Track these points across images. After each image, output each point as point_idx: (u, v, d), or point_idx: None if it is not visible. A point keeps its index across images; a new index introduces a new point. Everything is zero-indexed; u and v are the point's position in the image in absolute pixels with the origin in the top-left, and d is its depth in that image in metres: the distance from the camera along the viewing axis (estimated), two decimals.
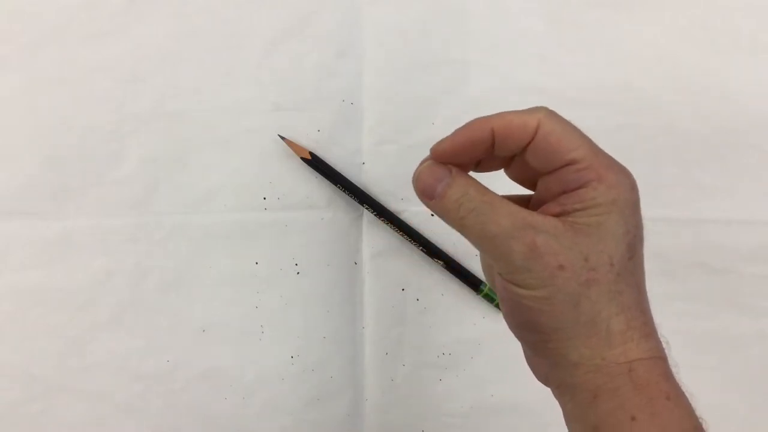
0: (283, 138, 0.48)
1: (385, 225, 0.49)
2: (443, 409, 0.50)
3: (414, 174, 0.30)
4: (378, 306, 0.50)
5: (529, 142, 0.28)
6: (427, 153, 0.30)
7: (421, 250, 0.49)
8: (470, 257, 0.49)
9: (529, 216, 0.27)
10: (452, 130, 0.29)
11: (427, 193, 0.30)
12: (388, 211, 0.49)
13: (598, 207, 0.27)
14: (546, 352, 0.29)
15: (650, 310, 0.29)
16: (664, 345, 0.29)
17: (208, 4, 0.49)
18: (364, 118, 0.49)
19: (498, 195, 0.29)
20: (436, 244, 0.49)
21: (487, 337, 0.50)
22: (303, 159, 0.48)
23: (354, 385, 0.50)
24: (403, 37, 0.49)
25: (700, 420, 0.28)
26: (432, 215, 0.49)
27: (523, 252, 0.27)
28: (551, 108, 0.28)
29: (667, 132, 0.49)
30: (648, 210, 0.51)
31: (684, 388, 0.28)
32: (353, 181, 0.48)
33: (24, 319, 0.48)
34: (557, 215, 0.27)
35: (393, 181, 0.49)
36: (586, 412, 0.28)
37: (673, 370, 0.28)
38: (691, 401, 0.28)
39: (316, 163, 0.48)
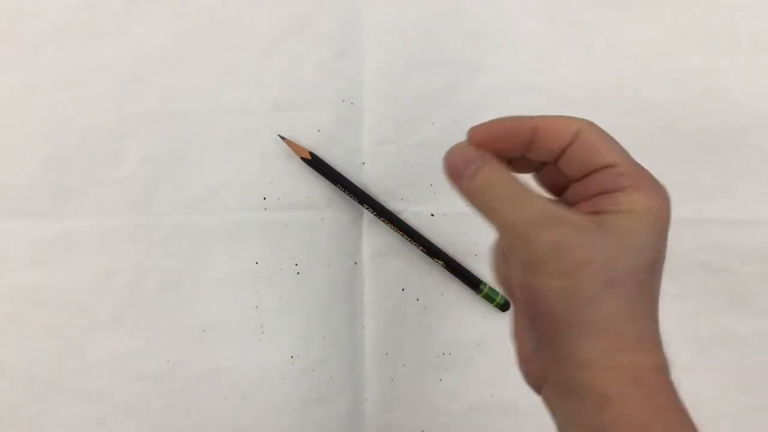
0: (283, 138, 0.48)
1: (385, 225, 0.49)
2: (443, 409, 0.50)
3: (446, 153, 0.29)
4: (378, 306, 0.50)
5: (569, 146, 0.28)
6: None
7: (421, 250, 0.49)
8: (470, 257, 0.49)
9: (560, 209, 0.27)
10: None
11: (455, 173, 0.29)
12: (388, 211, 0.49)
13: (631, 213, 0.27)
14: (554, 348, 0.28)
15: (658, 324, 0.28)
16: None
17: (208, 4, 0.49)
18: (364, 118, 0.49)
19: (529, 186, 0.28)
20: (436, 244, 0.49)
21: (487, 337, 0.50)
22: (303, 159, 0.48)
23: (354, 385, 0.50)
24: (403, 37, 0.49)
25: None
26: (432, 215, 0.49)
27: (551, 242, 0.26)
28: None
29: (667, 132, 0.49)
30: None
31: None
32: (353, 181, 0.48)
33: (24, 319, 0.48)
34: (589, 215, 0.28)
35: (393, 181, 0.49)
36: (596, 416, 0.27)
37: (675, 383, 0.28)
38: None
39: (316, 163, 0.48)
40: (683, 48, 0.50)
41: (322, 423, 0.50)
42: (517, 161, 0.30)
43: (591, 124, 0.28)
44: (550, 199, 0.28)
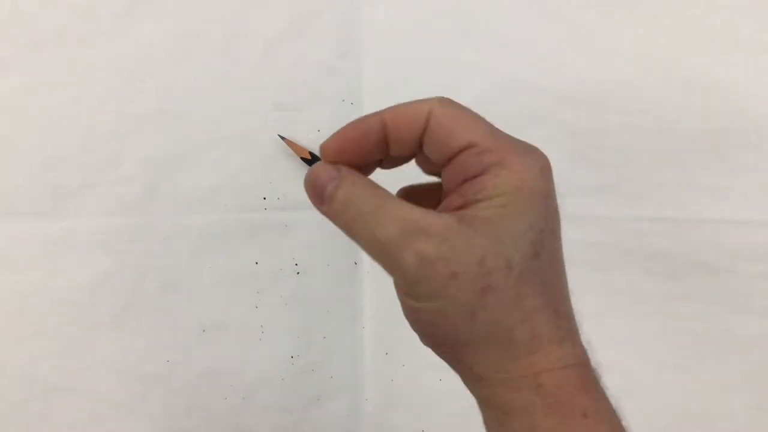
0: (283, 138, 0.48)
1: None
2: (443, 409, 0.50)
3: (304, 177, 0.28)
4: (378, 306, 0.50)
5: (423, 132, 0.26)
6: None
7: None
8: None
9: (422, 218, 0.25)
10: None
11: (316, 198, 0.27)
12: None
13: (500, 196, 0.24)
14: (452, 364, 0.27)
15: (569, 308, 0.26)
16: (586, 346, 0.27)
17: (208, 4, 0.49)
18: None
19: (390, 195, 0.26)
20: None
21: None
22: (303, 159, 0.48)
23: (354, 385, 0.50)
24: (403, 37, 0.49)
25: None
26: None
27: (413, 262, 0.24)
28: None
29: (667, 132, 0.49)
30: (648, 210, 0.51)
31: (608, 397, 0.26)
32: None
33: (24, 319, 0.48)
34: (459, 208, 0.25)
35: None
36: (499, 429, 0.26)
37: (601, 373, 0.27)
38: (616, 410, 0.26)
39: (316, 163, 0.48)
40: (683, 48, 0.50)
41: (322, 423, 0.50)
42: (388, 157, 0.28)
43: (442, 102, 0.26)
44: (413, 206, 0.25)
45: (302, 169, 0.49)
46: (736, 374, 0.49)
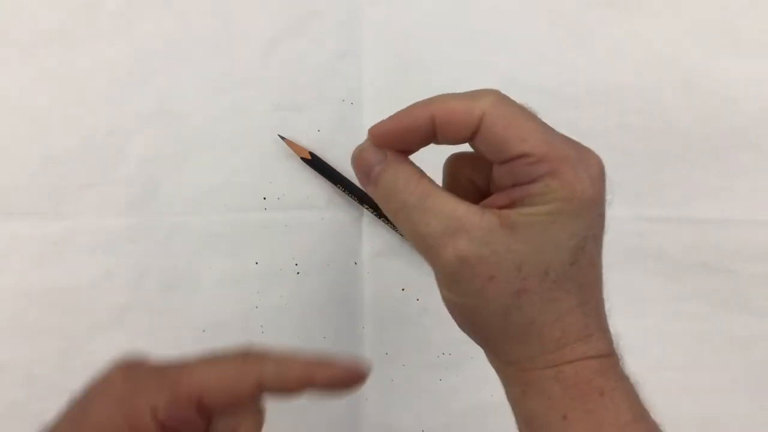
0: (283, 138, 0.48)
1: (385, 225, 0.49)
2: (443, 409, 0.50)
3: (352, 155, 0.28)
4: (378, 306, 0.50)
5: (475, 132, 0.25)
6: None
7: None
8: None
9: (465, 216, 0.25)
10: None
11: (362, 178, 0.27)
12: None
13: (546, 205, 0.25)
14: (483, 349, 0.29)
15: (600, 304, 0.27)
16: (615, 342, 0.28)
17: (208, 4, 0.49)
18: (364, 118, 0.49)
19: (434, 186, 0.26)
20: None
21: None
22: (303, 159, 0.48)
23: None
24: (403, 37, 0.49)
25: (645, 409, 0.27)
26: None
27: (453, 261, 0.25)
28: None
29: (667, 132, 0.49)
30: (648, 210, 0.51)
31: (631, 380, 0.27)
32: (353, 181, 0.48)
33: (24, 319, 0.48)
34: (504, 206, 0.25)
35: None
36: (518, 404, 0.28)
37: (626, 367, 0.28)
38: (637, 391, 0.27)
39: (316, 163, 0.48)
40: (683, 48, 0.50)
41: (322, 423, 0.50)
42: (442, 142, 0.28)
43: (496, 104, 0.25)
44: (457, 201, 0.25)
45: (302, 169, 0.49)
46: (736, 374, 0.49)
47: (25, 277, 0.48)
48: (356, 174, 0.28)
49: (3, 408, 0.48)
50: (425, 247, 0.26)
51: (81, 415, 0.28)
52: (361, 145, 0.28)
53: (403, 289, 0.50)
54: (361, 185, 0.28)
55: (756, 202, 0.49)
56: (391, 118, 0.27)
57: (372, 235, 0.49)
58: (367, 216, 0.49)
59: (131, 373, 0.28)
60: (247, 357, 0.28)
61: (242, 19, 0.49)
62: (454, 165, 0.30)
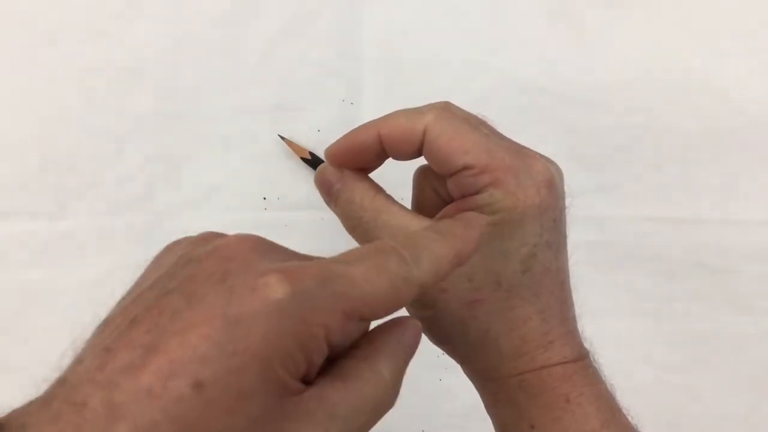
0: (283, 138, 0.48)
1: None
2: (443, 409, 0.50)
3: (314, 177, 0.29)
4: None
5: (420, 148, 0.26)
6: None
7: None
8: None
9: (417, 227, 0.26)
10: None
11: (325, 197, 0.28)
12: None
13: (493, 215, 0.25)
14: (452, 357, 0.29)
15: (564, 312, 0.27)
16: (588, 346, 0.28)
17: (208, 4, 0.49)
18: (364, 118, 0.49)
19: (388, 201, 0.27)
20: None
21: None
22: (303, 159, 0.48)
23: None
24: (403, 37, 0.49)
25: (616, 413, 0.27)
26: None
27: None
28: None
29: (667, 132, 0.49)
30: (648, 210, 0.51)
31: (603, 384, 0.27)
32: None
33: (24, 319, 0.48)
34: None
35: (392, 181, 0.49)
36: (492, 414, 0.28)
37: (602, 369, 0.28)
38: (610, 394, 0.27)
39: (316, 163, 0.48)
40: (683, 48, 0.50)
41: None
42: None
43: (438, 118, 0.26)
44: (411, 216, 0.26)
45: (302, 169, 0.49)
46: (736, 374, 0.49)
47: (25, 277, 0.48)
48: (320, 193, 0.29)
49: (3, 408, 0.48)
50: None
51: (211, 319, 0.18)
52: (321, 164, 0.29)
53: None
54: (326, 204, 0.29)
55: (756, 202, 0.49)
56: (343, 137, 0.28)
57: None
58: None
59: (293, 279, 0.19)
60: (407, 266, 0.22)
61: (242, 19, 0.49)
62: (419, 177, 0.31)
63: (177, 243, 0.25)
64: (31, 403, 0.19)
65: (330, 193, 0.28)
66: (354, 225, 0.27)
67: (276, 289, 0.18)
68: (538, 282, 0.26)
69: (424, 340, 0.52)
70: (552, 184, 0.26)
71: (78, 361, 0.20)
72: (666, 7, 0.50)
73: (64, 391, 0.19)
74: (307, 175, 0.49)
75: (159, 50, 0.49)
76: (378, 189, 0.28)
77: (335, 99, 0.49)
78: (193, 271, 0.20)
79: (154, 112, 0.49)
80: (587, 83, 0.49)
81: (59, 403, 0.18)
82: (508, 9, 0.50)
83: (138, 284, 0.25)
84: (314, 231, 0.49)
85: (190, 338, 0.17)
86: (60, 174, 0.48)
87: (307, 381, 0.19)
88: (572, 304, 0.28)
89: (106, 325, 0.22)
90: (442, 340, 0.28)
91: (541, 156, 0.27)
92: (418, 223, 0.26)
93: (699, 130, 0.49)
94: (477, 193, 0.25)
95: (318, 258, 0.23)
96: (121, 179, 0.48)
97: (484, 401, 0.29)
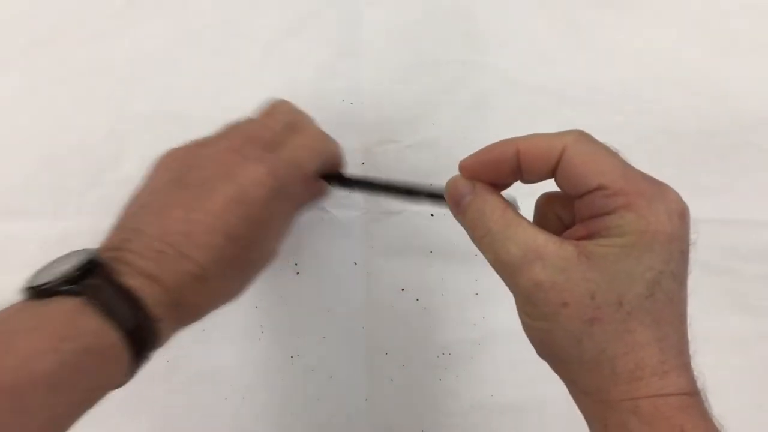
0: None
1: (385, 225, 0.49)
2: (443, 409, 0.50)
3: (445, 185, 0.30)
4: (378, 306, 0.50)
5: (556, 167, 0.27)
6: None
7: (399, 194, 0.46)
8: (470, 257, 0.49)
9: (543, 245, 0.27)
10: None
11: (453, 206, 0.30)
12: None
13: (622, 237, 0.26)
14: (561, 377, 0.29)
15: (681, 342, 0.27)
16: (699, 381, 0.28)
17: (208, 4, 0.49)
18: (364, 118, 0.49)
19: (518, 216, 0.28)
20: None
21: (487, 337, 0.50)
22: None
23: (354, 385, 0.50)
24: (403, 37, 0.49)
25: None
26: (432, 215, 0.49)
27: (529, 286, 0.26)
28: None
29: (667, 132, 0.49)
30: None
31: (716, 423, 0.27)
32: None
33: None
34: (582, 238, 0.27)
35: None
36: None
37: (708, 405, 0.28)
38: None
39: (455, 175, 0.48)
40: (683, 48, 0.50)
41: (321, 423, 0.50)
42: (527, 177, 0.30)
43: (578, 140, 0.27)
44: (538, 231, 0.27)
45: None
46: (736, 374, 0.49)
47: (25, 277, 0.48)
48: (448, 203, 0.30)
49: None
50: (505, 272, 0.28)
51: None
52: (453, 176, 0.30)
53: (402, 289, 0.50)
54: (452, 214, 0.30)
55: (756, 202, 0.49)
56: (479, 151, 0.29)
57: (372, 235, 0.49)
58: (367, 216, 0.49)
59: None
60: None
61: (242, 20, 0.49)
62: (542, 203, 0.32)
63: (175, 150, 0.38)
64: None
65: (460, 204, 0.29)
66: (482, 235, 0.28)
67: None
68: (659, 310, 0.26)
69: (424, 339, 0.52)
70: (684, 215, 0.27)
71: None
72: (666, 7, 0.50)
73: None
74: None
75: (159, 50, 0.49)
76: (507, 204, 0.29)
77: (335, 99, 0.49)
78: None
79: (154, 112, 0.49)
80: (587, 83, 0.49)
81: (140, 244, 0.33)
82: (508, 9, 0.50)
83: (151, 177, 0.39)
84: (314, 231, 0.49)
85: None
86: (60, 174, 0.48)
87: None
88: (688, 340, 0.28)
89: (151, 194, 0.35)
90: (554, 355, 0.28)
91: (672, 188, 0.28)
92: (545, 238, 0.27)
93: (699, 130, 0.49)
94: (608, 214, 0.26)
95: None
96: (121, 179, 0.48)
97: (591, 427, 0.29)
